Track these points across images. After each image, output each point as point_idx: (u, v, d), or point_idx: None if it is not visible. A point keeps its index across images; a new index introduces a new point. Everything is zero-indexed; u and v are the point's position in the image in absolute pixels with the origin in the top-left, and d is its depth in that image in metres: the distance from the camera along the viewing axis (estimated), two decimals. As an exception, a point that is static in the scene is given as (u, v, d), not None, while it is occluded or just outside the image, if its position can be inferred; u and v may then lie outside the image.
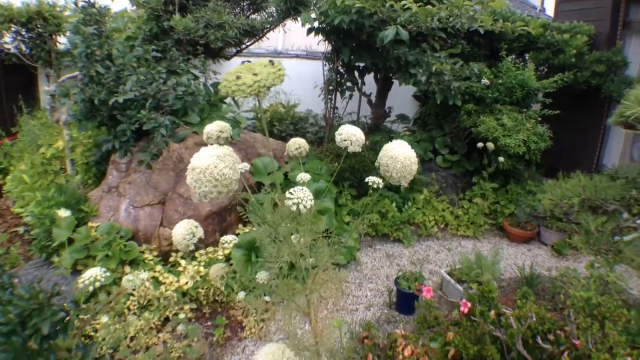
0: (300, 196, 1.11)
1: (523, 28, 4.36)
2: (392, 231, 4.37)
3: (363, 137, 1.54)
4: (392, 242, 4.41)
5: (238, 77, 1.23)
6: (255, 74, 1.23)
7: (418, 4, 3.89)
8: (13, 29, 5.87)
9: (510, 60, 5.28)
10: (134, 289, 2.81)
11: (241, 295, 2.34)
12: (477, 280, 3.32)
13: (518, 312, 2.13)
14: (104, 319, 2.16)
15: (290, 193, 1.12)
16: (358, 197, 4.60)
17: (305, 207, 1.09)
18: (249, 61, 1.38)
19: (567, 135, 5.45)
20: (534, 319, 2.11)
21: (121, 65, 3.24)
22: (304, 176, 1.86)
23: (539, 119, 4.89)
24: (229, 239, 1.78)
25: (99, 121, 3.34)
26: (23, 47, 5.97)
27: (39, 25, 5.85)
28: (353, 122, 5.71)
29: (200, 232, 1.49)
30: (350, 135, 1.50)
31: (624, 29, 5.31)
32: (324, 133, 5.82)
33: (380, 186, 1.55)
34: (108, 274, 1.87)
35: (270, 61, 1.25)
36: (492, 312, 2.22)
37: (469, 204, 4.81)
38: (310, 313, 1.85)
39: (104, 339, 2.25)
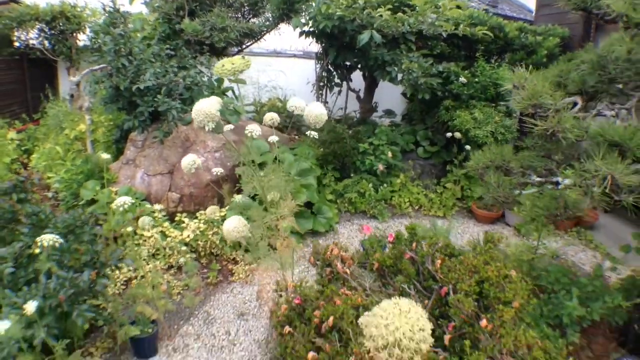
0: (252, 129, 2.22)
1: (485, 33, 5.42)
2: (369, 208, 5.45)
3: (304, 105, 2.66)
4: (368, 218, 5.49)
5: (223, 65, 2.36)
6: (233, 64, 2.35)
7: (391, 12, 5.01)
8: (37, 26, 7.13)
9: (491, 60, 6.36)
10: (148, 234, 3.96)
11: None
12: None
13: (429, 241, 3.20)
14: (129, 228, 3.29)
15: (246, 128, 2.23)
16: (340, 179, 5.71)
17: (254, 135, 2.20)
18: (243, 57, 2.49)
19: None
20: (440, 245, 3.18)
21: (141, 60, 4.42)
22: (274, 138, 2.97)
23: (513, 114, 5.95)
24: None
25: (121, 105, 4.51)
26: (46, 43, 7.26)
27: (61, 24, 7.12)
28: (342, 116, 6.86)
29: (199, 161, 2.61)
30: (297, 104, 2.62)
31: (597, 32, 6.33)
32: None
33: (316, 136, 2.66)
34: (132, 201, 3.01)
35: (242, 57, 2.38)
36: (414, 244, 3.29)
37: (443, 189, 5.87)
38: (277, 240, 2.96)
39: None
